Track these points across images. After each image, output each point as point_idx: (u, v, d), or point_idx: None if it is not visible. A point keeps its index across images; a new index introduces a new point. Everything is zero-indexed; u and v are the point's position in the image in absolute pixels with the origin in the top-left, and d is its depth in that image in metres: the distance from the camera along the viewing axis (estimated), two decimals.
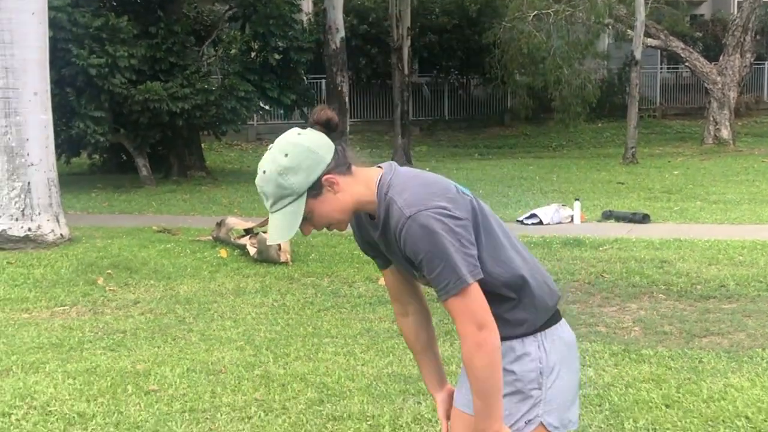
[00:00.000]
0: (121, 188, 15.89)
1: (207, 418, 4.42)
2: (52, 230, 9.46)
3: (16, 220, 9.30)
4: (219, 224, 9.71)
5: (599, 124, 25.43)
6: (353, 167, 2.24)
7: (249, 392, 4.78)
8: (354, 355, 5.44)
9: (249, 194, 14.91)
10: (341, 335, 5.96)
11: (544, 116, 25.27)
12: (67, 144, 15.68)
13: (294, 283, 7.71)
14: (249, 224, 9.45)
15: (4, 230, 9.29)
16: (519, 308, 2.30)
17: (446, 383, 2.60)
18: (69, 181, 15.60)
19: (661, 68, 29.15)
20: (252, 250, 8.67)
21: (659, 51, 23.57)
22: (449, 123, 27.72)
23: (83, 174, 18.78)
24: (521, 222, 10.69)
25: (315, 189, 2.19)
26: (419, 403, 4.55)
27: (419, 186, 2.21)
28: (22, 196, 9.31)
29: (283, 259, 8.40)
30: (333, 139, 2.24)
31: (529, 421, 2.28)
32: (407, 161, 19.42)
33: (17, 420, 4.45)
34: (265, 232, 8.58)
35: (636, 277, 7.48)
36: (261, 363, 5.32)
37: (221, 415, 4.45)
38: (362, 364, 5.25)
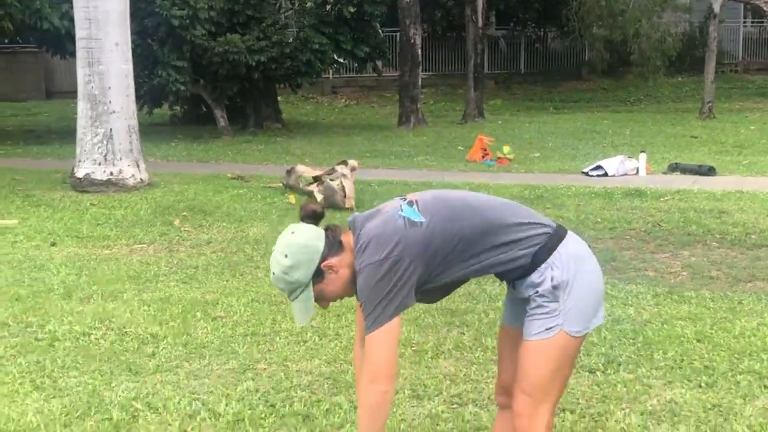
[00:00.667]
0: (199, 139, 16.43)
1: (267, 341, 4.81)
2: (133, 175, 9.98)
3: (99, 164, 9.85)
4: (289, 172, 10.10)
5: (679, 79, 24.99)
6: (342, 240, 2.58)
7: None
8: None
9: (321, 145, 15.30)
10: None
11: (622, 70, 24.96)
12: (149, 95, 16.27)
13: None
14: (317, 172, 9.82)
15: (88, 174, 9.86)
16: (516, 251, 2.56)
17: None
18: (151, 131, 16.19)
19: (745, 22, 28.37)
20: (319, 196, 9.04)
21: (742, 5, 22.94)
22: (525, 76, 27.59)
23: (164, 125, 19.39)
24: (586, 174, 10.81)
25: (318, 276, 2.57)
26: (462, 333, 4.86)
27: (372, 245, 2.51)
28: (105, 141, 9.85)
29: (347, 205, 8.75)
30: (322, 225, 2.63)
31: (549, 328, 2.54)
32: (480, 114, 19.52)
33: (96, 339, 4.91)
34: (332, 180, 8.94)
35: (692, 227, 7.61)
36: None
37: (279, 339, 4.84)
38: None
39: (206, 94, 17.10)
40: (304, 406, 3.91)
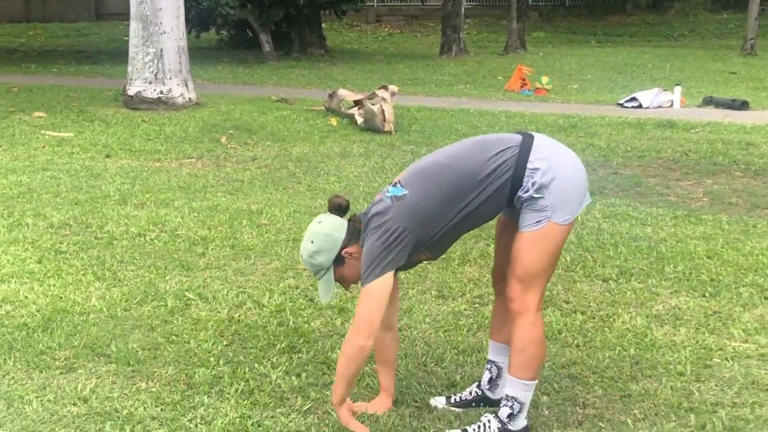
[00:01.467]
0: (245, 63, 16.76)
1: None
2: (182, 94, 10.38)
3: (150, 83, 10.25)
4: (331, 95, 10.44)
5: (724, 15, 24.71)
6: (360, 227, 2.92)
7: None
8: None
9: (363, 72, 15.57)
10: None
11: (666, 5, 24.75)
12: (197, 19, 16.59)
13: (395, 149, 8.39)
14: (358, 96, 10.13)
15: (139, 92, 10.27)
16: (496, 179, 2.83)
17: (389, 395, 3.23)
18: (198, 55, 16.53)
19: None
20: (359, 119, 9.38)
21: None
22: (569, 9, 27.42)
23: (211, 49, 19.75)
24: (621, 105, 11.01)
25: (339, 261, 2.94)
26: (488, 244, 5.20)
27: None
28: (155, 61, 10.23)
29: (386, 128, 9.08)
30: (345, 217, 2.99)
31: (539, 221, 2.84)
32: (521, 46, 19.58)
33: (150, 239, 5.34)
34: (372, 104, 9.25)
35: (719, 157, 7.85)
36: (358, 210, 6.06)
37: None
38: None
39: (253, 19, 17.37)
40: (340, 300, 4.31)
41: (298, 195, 6.54)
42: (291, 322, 4.04)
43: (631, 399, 3.30)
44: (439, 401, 3.24)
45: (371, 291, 2.82)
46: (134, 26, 10.25)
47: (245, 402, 3.27)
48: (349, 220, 3.00)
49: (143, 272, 4.73)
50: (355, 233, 2.94)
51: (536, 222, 2.85)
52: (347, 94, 10.29)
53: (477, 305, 4.26)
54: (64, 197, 6.29)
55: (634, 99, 10.99)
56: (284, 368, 3.55)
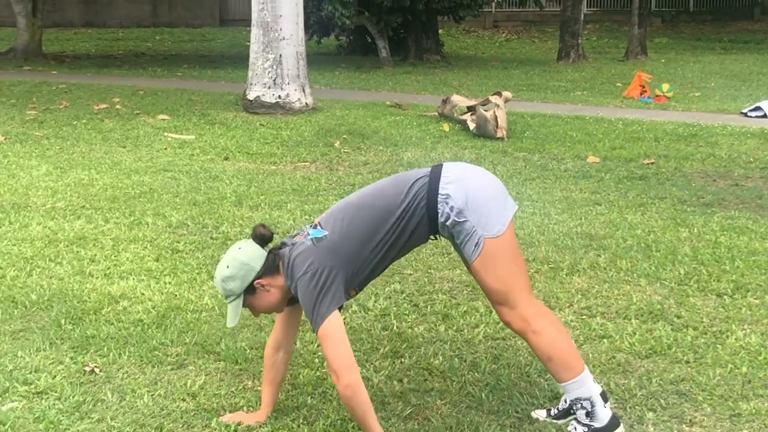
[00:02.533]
0: (361, 68, 16.96)
1: (414, 251, 5.12)
2: (299, 99, 10.59)
3: (269, 88, 10.50)
4: (444, 101, 10.45)
5: None
6: (280, 265, 2.94)
7: None
8: (549, 216, 6.06)
9: (478, 78, 15.52)
10: (541, 200, 6.56)
11: None
12: (318, 25, 16.92)
13: (507, 156, 8.33)
14: (471, 102, 10.11)
15: (258, 96, 10.53)
16: (412, 212, 2.90)
17: (268, 412, 3.22)
18: (317, 60, 16.85)
19: None
20: (472, 125, 9.36)
21: None
22: (693, 15, 26.64)
23: (330, 54, 20.07)
24: (745, 114, 10.63)
25: (250, 290, 2.94)
26: (598, 255, 5.11)
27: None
28: (274, 66, 10.47)
29: (499, 135, 9.02)
30: (266, 249, 2.97)
31: (476, 244, 2.87)
32: (643, 52, 19.13)
33: None
34: (486, 110, 9.22)
35: None
36: None
37: (425, 250, 5.23)
38: (554, 223, 5.86)
39: (370, 26, 17.55)
40: (444, 307, 4.32)
41: None
42: (395, 327, 4.07)
43: (740, 418, 3.19)
44: (540, 414, 3.21)
45: (326, 334, 2.83)
46: (255, 32, 10.51)
47: None
48: (270, 252, 2.99)
49: None
50: (272, 266, 2.95)
51: (475, 246, 2.88)
52: (461, 100, 10.28)
53: (584, 317, 4.19)
54: (183, 198, 6.51)
55: (758, 108, 10.58)
56: (386, 372, 3.58)
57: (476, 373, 3.56)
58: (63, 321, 4.10)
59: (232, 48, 21.73)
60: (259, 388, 3.45)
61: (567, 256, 5.11)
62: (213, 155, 8.24)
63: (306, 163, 8.02)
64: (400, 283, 4.69)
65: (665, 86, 12.61)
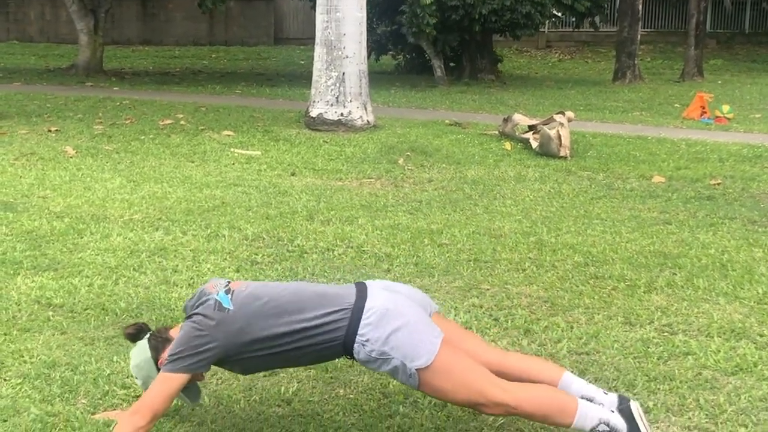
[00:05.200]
0: (416, 87, 17.08)
1: (488, 267, 5.29)
2: (360, 116, 10.72)
3: (331, 105, 10.64)
4: (506, 120, 10.50)
5: None
6: (171, 333, 3.07)
7: (524, 252, 5.60)
8: (620, 234, 6.07)
9: (534, 98, 15.55)
10: (610, 219, 6.58)
11: None
12: (375, 44, 17.14)
13: (571, 175, 8.35)
14: (533, 121, 10.15)
15: (320, 114, 10.68)
16: (319, 336, 2.95)
17: None
18: (372, 78, 16.94)
19: None
20: (534, 144, 9.39)
21: None
22: (749, 37, 26.41)
23: (384, 73, 20.23)
24: None
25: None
26: (674, 273, 5.12)
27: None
28: (337, 84, 10.62)
29: (562, 153, 9.05)
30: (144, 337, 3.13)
31: (410, 376, 2.89)
32: (699, 73, 19.00)
33: (338, 254, 5.56)
34: (549, 129, 9.25)
35: None
36: (535, 233, 6.10)
37: (500, 266, 5.31)
38: (626, 242, 5.87)
39: (426, 45, 17.67)
40: (525, 322, 4.36)
41: (476, 216, 6.63)
42: None
43: None
44: None
45: (166, 380, 2.92)
46: (319, 51, 10.67)
47: (439, 414, 3.37)
48: (150, 337, 3.12)
49: (334, 284, 4.92)
50: (159, 343, 3.06)
51: (409, 377, 2.91)
52: (522, 119, 10.32)
53: (666, 333, 4.21)
54: (256, 212, 6.63)
55: None
56: None
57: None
58: (153, 328, 4.21)
59: (287, 66, 22.01)
60: (350, 396, 3.53)
61: (643, 274, 5.12)
62: (280, 171, 8.37)
63: (371, 180, 8.12)
64: (478, 297, 4.74)
65: (725, 107, 12.53)
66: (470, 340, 3.19)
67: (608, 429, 2.95)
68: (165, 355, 2.99)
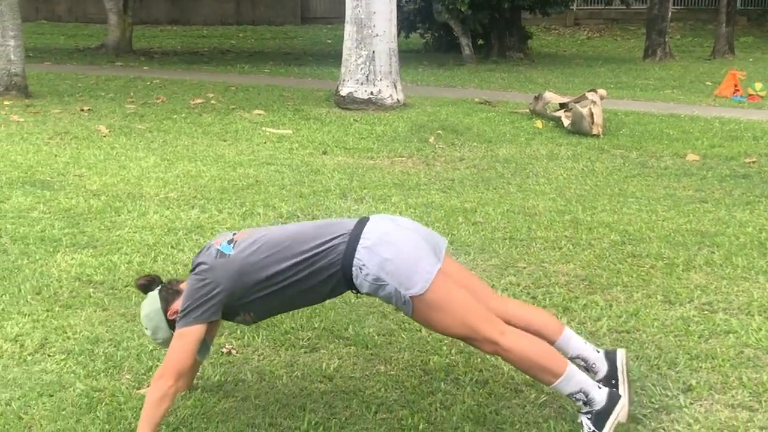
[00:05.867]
0: (444, 65, 16.99)
1: (524, 246, 5.28)
2: (390, 95, 10.69)
3: (361, 84, 10.62)
4: (537, 98, 10.43)
5: None
6: (181, 287, 3.06)
7: (560, 230, 5.58)
8: (656, 213, 6.03)
9: (564, 76, 15.42)
10: (645, 197, 6.53)
11: None
12: (404, 22, 17.06)
13: (603, 153, 8.29)
14: (564, 99, 10.08)
15: (350, 93, 10.67)
16: (319, 263, 2.92)
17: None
18: (400, 57, 16.84)
19: None
20: (566, 122, 9.33)
21: None
22: None
23: (411, 52, 20.13)
24: None
25: (173, 325, 3.00)
26: (712, 252, 5.09)
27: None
28: (367, 63, 10.59)
29: (595, 131, 8.98)
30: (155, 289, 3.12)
31: (405, 303, 2.87)
32: (730, 51, 18.76)
33: None
34: (582, 106, 9.18)
35: None
36: (570, 211, 6.08)
37: (536, 244, 5.29)
38: (663, 220, 5.83)
39: (455, 23, 17.56)
40: (563, 300, 4.35)
41: (509, 195, 6.61)
42: None
43: None
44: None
45: (182, 335, 2.90)
46: (349, 29, 10.64)
47: (481, 391, 3.38)
48: (161, 288, 3.11)
49: None
50: (170, 294, 3.07)
51: (403, 304, 2.89)
52: (553, 97, 10.25)
53: (706, 312, 4.18)
54: (289, 190, 6.65)
55: None
56: None
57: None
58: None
59: (314, 45, 21.96)
60: (391, 372, 3.55)
61: (681, 252, 5.09)
62: (311, 149, 8.38)
63: (402, 158, 8.11)
64: (515, 276, 4.73)
65: (758, 85, 12.37)
66: (476, 283, 3.15)
67: (585, 399, 2.96)
68: (175, 306, 3.01)
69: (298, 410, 3.24)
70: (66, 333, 3.95)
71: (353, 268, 2.88)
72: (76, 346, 3.80)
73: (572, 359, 3.14)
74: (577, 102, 9.51)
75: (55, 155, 7.83)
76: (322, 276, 2.92)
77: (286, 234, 3.02)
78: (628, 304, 4.29)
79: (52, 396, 3.35)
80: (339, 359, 3.67)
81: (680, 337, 3.89)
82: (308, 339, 3.87)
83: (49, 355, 3.73)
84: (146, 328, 3.10)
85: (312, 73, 15.42)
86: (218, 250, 2.98)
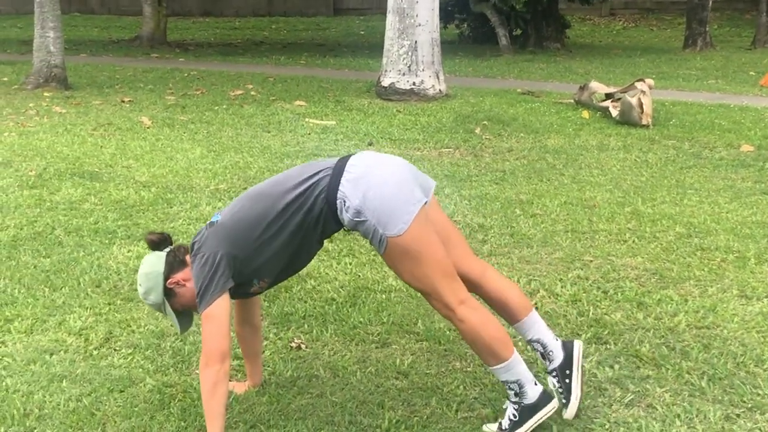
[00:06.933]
0: (481, 56, 16.82)
1: (587, 238, 5.15)
2: (433, 85, 10.56)
3: (403, 74, 10.49)
4: (582, 88, 10.26)
5: None
6: (187, 258, 2.92)
7: (622, 223, 5.44)
8: (718, 205, 5.87)
9: (603, 66, 15.21)
10: (704, 189, 6.37)
11: None
12: (442, 12, 16.88)
13: (655, 144, 8.12)
14: (610, 89, 9.90)
15: (392, 83, 10.54)
16: (307, 202, 2.81)
17: (254, 384, 3.32)
18: None
19: None
20: (614, 112, 9.16)
21: None
22: None
23: (447, 43, 19.96)
24: None
25: (169, 294, 2.91)
26: None
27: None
28: (409, 53, 10.45)
29: (644, 122, 8.81)
30: (164, 249, 2.98)
31: (380, 242, 2.75)
32: None
33: None
34: (631, 96, 9.00)
35: None
36: (630, 203, 5.93)
37: (599, 237, 5.16)
38: (726, 212, 5.68)
39: (490, 14, 17.38)
40: (636, 294, 4.22)
41: (564, 186, 6.47)
42: (590, 313, 4.00)
43: None
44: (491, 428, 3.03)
45: (209, 316, 2.77)
46: (390, 19, 10.50)
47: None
48: (169, 252, 2.95)
49: None
50: (176, 261, 2.92)
51: (379, 243, 2.76)
52: (600, 87, 10.07)
53: None
54: None
55: None
56: (594, 359, 3.52)
57: (689, 362, 3.47)
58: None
59: (347, 37, 21.83)
60: (468, 369, 3.44)
61: (750, 245, 4.94)
62: (356, 140, 8.27)
63: (449, 149, 7.98)
64: (582, 269, 4.60)
65: None
66: (457, 239, 3.04)
67: (518, 391, 2.90)
68: (177, 277, 2.90)
69: (377, 408, 3.14)
70: (130, 327, 3.88)
71: (338, 201, 2.78)
72: (142, 340, 3.73)
73: (531, 342, 3.09)
74: (624, 92, 9.34)
75: (101, 146, 7.78)
76: (312, 214, 2.82)
77: (268, 183, 2.94)
78: (704, 298, 4.16)
79: (122, 392, 3.27)
80: (412, 355, 3.57)
81: (763, 333, 3.75)
82: (378, 334, 3.77)
83: (115, 350, 3.66)
84: (140, 284, 2.96)
85: (348, 65, 15.31)
86: (208, 222, 2.91)
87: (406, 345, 3.66)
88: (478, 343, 2.87)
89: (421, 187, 2.87)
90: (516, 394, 2.92)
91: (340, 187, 2.78)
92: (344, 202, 2.77)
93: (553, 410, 2.95)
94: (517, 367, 2.91)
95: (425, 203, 2.83)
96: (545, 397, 2.94)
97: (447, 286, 2.82)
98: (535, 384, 2.94)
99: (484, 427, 3.02)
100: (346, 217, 2.79)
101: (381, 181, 2.78)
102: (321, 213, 2.82)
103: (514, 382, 2.90)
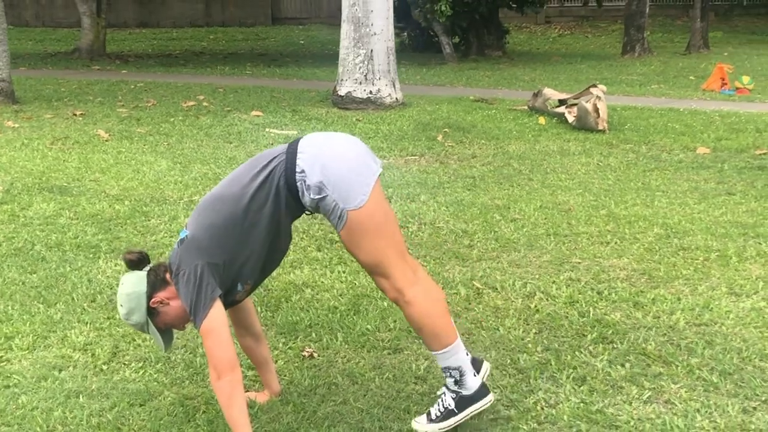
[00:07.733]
0: (426, 65, 16.95)
1: (570, 241, 5.24)
2: (389, 94, 10.61)
3: (360, 83, 10.53)
4: (535, 95, 10.43)
5: None
6: (167, 276, 2.89)
7: (601, 225, 5.55)
8: (688, 206, 6.04)
9: (547, 72, 15.48)
10: (671, 191, 6.54)
11: None
12: None
13: (613, 148, 8.30)
14: (563, 96, 10.10)
15: (349, 92, 10.57)
16: (270, 190, 2.81)
17: (273, 392, 3.30)
18: None
19: None
20: (570, 118, 9.34)
21: None
22: (747, 8, 26.41)
23: None
24: None
25: (153, 313, 2.90)
26: (759, 243, 5.09)
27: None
28: (365, 62, 10.50)
29: (600, 126, 9.00)
30: (144, 268, 2.94)
31: (340, 217, 2.79)
32: (705, 46, 18.97)
33: (413, 231, 5.50)
34: (586, 101, 9.18)
35: None
36: (603, 206, 6.06)
37: (581, 239, 5.26)
38: (698, 213, 5.84)
39: (435, 23, 17.53)
40: (629, 295, 4.31)
41: (536, 191, 6.58)
42: (591, 314, 4.08)
43: None
44: (420, 420, 3.06)
45: (207, 331, 2.78)
46: (345, 28, 10.54)
47: (581, 388, 3.33)
48: (150, 270, 2.94)
49: (422, 262, 4.86)
50: (158, 280, 2.90)
51: (339, 219, 2.81)
52: (553, 93, 10.26)
53: None
54: None
55: None
56: (605, 358, 3.59)
57: (696, 358, 3.56)
58: (260, 308, 4.15)
59: (288, 46, 21.81)
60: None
61: (729, 244, 5.09)
62: None
63: (415, 157, 8.04)
64: (572, 271, 4.69)
65: (745, 78, 12.52)
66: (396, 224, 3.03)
67: (458, 379, 2.95)
68: (160, 296, 2.87)
69: (403, 413, 3.16)
70: (135, 341, 3.83)
71: (297, 183, 2.79)
72: (150, 354, 3.68)
73: None
74: (578, 98, 9.53)
75: (63, 160, 7.64)
76: (280, 200, 2.82)
77: (222, 185, 2.92)
78: (695, 297, 4.27)
79: (143, 405, 3.23)
80: (426, 360, 3.60)
81: (760, 328, 3.87)
82: (389, 340, 3.79)
83: (124, 364, 3.61)
84: (120, 305, 2.92)
85: (296, 74, 15.29)
86: (178, 241, 2.88)
87: (418, 350, 3.69)
88: (425, 328, 2.90)
89: (372, 158, 2.91)
90: (456, 382, 2.95)
91: (297, 168, 2.78)
92: (304, 181, 2.77)
93: (490, 403, 2.99)
94: (460, 353, 2.95)
95: (379, 175, 2.87)
96: (484, 391, 2.98)
97: (397, 266, 2.85)
98: (475, 375, 2.97)
99: (413, 422, 3.03)
100: (307, 197, 2.79)
101: (337, 155, 2.81)
102: (283, 200, 2.82)
103: (455, 369, 2.94)
